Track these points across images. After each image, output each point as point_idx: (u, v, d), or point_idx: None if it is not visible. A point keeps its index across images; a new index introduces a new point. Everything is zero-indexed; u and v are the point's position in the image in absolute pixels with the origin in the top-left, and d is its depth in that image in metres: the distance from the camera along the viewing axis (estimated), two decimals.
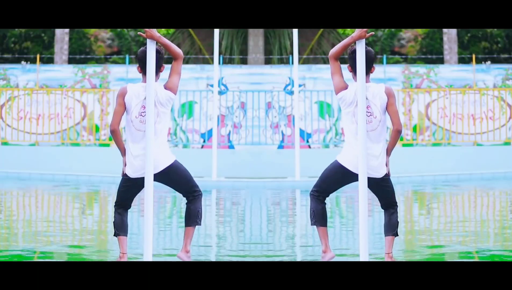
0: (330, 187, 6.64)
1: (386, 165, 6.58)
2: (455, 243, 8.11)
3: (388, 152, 6.59)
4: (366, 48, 6.25)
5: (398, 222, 6.65)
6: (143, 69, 6.55)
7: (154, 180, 6.28)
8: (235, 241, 8.38)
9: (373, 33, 6.69)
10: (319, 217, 6.61)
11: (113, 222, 6.66)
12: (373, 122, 6.52)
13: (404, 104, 18.88)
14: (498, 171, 16.84)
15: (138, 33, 6.38)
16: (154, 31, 6.17)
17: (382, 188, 6.59)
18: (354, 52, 6.39)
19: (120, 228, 6.62)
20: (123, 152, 6.61)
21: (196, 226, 6.67)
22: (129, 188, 6.63)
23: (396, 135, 6.54)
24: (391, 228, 6.61)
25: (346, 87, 6.55)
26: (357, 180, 6.27)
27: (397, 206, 6.66)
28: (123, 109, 6.56)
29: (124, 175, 6.61)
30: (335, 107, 18.95)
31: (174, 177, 6.59)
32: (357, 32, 6.15)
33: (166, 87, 6.55)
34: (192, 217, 6.62)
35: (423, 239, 8.56)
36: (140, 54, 6.59)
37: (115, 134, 6.52)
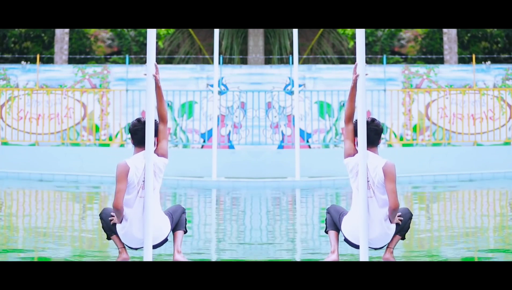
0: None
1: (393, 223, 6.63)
2: (455, 243, 8.11)
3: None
4: (375, 121, 6.49)
5: (409, 228, 6.74)
6: (135, 141, 6.61)
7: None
8: (235, 241, 8.38)
9: (359, 74, 6.16)
10: (330, 223, 6.76)
11: (102, 228, 6.78)
12: (370, 190, 6.53)
13: (404, 104, 18.88)
14: (498, 171, 16.84)
15: (154, 74, 6.22)
16: (159, 78, 6.30)
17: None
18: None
19: (111, 230, 6.72)
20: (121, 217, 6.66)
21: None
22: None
23: (391, 213, 6.53)
24: (400, 230, 6.67)
25: (353, 155, 6.59)
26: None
27: (411, 217, 6.73)
28: (126, 186, 6.56)
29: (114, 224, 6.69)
30: (335, 107, 18.94)
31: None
32: (353, 78, 6.30)
33: (158, 154, 6.58)
34: (180, 223, 6.75)
35: (423, 239, 8.56)
36: (132, 128, 6.63)
37: (119, 212, 6.55)
